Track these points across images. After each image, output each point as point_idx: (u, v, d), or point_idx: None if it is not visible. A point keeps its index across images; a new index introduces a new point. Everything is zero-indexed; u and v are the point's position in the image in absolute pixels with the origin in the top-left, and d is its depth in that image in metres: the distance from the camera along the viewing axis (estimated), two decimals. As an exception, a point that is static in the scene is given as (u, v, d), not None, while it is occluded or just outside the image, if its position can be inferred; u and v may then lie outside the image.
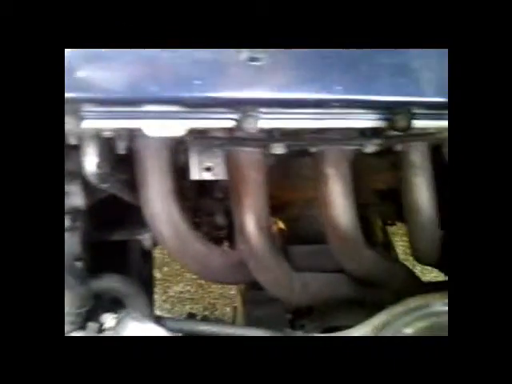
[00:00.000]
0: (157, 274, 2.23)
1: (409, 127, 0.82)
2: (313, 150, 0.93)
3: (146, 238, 1.14)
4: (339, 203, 0.94)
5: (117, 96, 0.73)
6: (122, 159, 0.88)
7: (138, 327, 0.74)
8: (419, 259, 1.06)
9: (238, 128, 0.79)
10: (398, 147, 0.96)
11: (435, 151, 0.97)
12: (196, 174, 0.93)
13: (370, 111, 0.83)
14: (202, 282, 2.24)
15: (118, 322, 0.76)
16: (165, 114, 0.78)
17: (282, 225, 1.43)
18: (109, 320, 0.78)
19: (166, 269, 2.41)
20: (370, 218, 1.39)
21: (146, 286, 1.15)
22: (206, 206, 1.29)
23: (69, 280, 0.80)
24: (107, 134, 0.80)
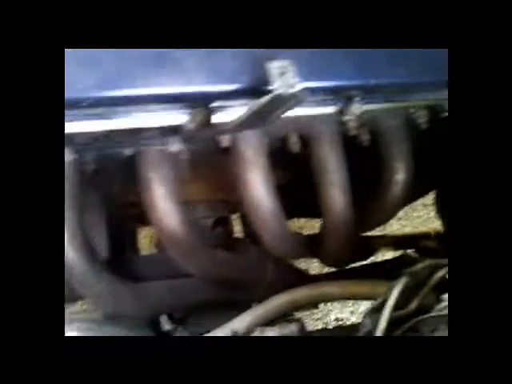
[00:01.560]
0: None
1: (208, 121, 0.78)
2: (127, 152, 0.89)
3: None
4: (162, 207, 0.90)
5: None
6: None
7: None
8: (274, 252, 1.04)
9: None
10: (224, 143, 0.90)
11: (284, 143, 0.94)
12: None
13: (165, 107, 0.78)
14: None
15: None
16: None
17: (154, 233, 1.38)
18: None
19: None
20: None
21: None
22: None
23: None
24: None
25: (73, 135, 0.79)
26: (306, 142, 0.96)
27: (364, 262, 1.38)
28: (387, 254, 1.55)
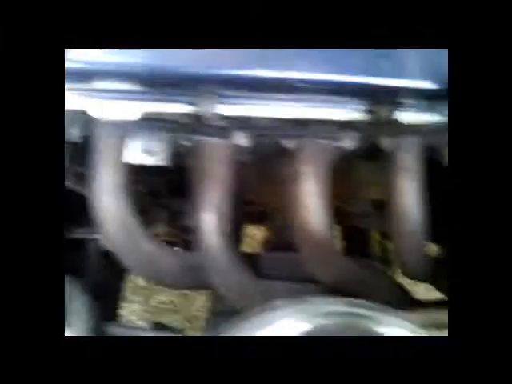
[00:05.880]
0: (140, 282, 2.04)
1: (390, 119, 0.74)
2: (289, 145, 0.84)
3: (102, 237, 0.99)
4: (312, 205, 0.84)
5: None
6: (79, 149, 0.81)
7: None
8: (405, 273, 0.97)
9: (194, 113, 0.73)
10: (385, 144, 0.85)
11: (433, 152, 0.87)
12: (136, 157, 0.82)
13: (346, 99, 0.75)
14: (187, 292, 2.07)
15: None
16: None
17: (267, 232, 1.36)
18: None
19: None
20: (366, 230, 1.30)
21: (105, 289, 1.06)
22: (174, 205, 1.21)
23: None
24: None
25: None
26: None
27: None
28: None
